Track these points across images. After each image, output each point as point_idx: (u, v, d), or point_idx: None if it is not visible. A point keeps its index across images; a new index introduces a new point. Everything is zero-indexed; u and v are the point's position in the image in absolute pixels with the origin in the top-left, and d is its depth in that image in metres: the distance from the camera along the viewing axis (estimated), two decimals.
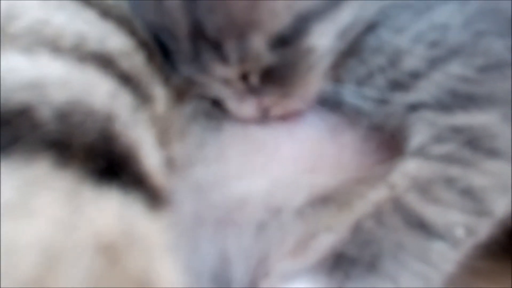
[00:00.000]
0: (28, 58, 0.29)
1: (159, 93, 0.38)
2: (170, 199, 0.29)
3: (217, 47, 0.38)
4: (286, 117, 0.45)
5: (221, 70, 0.40)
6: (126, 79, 0.33)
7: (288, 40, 0.38)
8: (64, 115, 0.25)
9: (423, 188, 0.39)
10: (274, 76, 0.40)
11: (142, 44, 0.39)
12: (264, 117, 0.44)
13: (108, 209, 0.23)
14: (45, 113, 0.25)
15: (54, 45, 0.31)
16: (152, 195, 0.26)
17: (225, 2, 0.36)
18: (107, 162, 0.25)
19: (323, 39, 0.40)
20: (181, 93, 0.43)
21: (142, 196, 0.25)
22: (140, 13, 0.40)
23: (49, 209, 0.22)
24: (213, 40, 0.38)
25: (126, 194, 0.25)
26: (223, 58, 0.39)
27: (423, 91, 0.41)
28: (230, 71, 0.40)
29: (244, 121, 0.44)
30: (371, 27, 0.42)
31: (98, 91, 0.29)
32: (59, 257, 0.21)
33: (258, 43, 0.38)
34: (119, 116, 0.28)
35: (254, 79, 0.41)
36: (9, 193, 0.21)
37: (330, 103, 0.44)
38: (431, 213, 0.38)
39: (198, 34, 0.38)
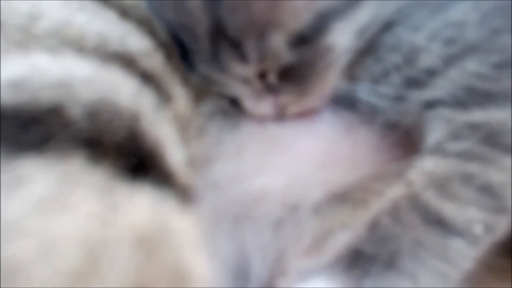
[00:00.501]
0: (54, 58, 0.29)
1: (179, 92, 0.39)
2: (194, 196, 0.29)
3: (236, 46, 0.38)
4: (302, 115, 0.45)
5: (239, 69, 0.40)
6: (148, 79, 0.34)
7: (307, 39, 0.39)
8: (93, 113, 0.26)
9: (441, 185, 0.39)
10: (292, 75, 0.41)
11: (161, 44, 0.39)
12: (280, 115, 0.44)
13: (142, 205, 0.24)
14: (75, 112, 0.25)
15: (77, 45, 0.32)
16: (180, 191, 0.27)
17: (247, 1, 0.36)
18: (136, 159, 0.25)
19: (342, 37, 0.40)
20: (199, 92, 0.43)
21: (172, 192, 0.26)
22: (159, 12, 0.41)
23: (85, 204, 0.22)
24: (233, 39, 0.38)
25: (157, 190, 0.25)
26: (242, 57, 0.39)
27: (440, 88, 0.41)
28: (248, 70, 0.40)
29: (261, 119, 0.45)
30: (387, 26, 0.42)
31: (123, 91, 0.30)
32: (99, 250, 0.21)
33: (278, 42, 0.38)
34: (144, 114, 0.29)
35: (272, 78, 0.41)
36: (45, 189, 0.22)
37: (345, 101, 0.44)
38: (449, 210, 0.38)
39: (218, 33, 0.38)
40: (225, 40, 0.38)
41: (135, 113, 0.28)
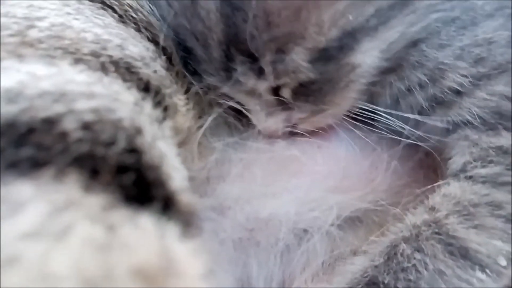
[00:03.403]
0: (50, 66, 0.27)
1: (180, 102, 0.36)
2: (196, 219, 0.26)
3: (253, 59, 0.36)
4: (315, 133, 0.42)
5: (252, 83, 0.37)
6: (148, 88, 0.31)
7: (331, 56, 0.36)
8: (90, 125, 0.23)
9: (467, 212, 0.36)
10: (308, 91, 0.38)
11: (163, 51, 0.37)
12: (291, 132, 0.42)
13: (142, 230, 0.21)
14: (71, 123, 0.23)
15: (75, 51, 0.29)
16: (183, 215, 0.24)
17: (267, 12, 0.34)
18: (136, 177, 0.23)
19: (368, 56, 0.38)
20: (203, 103, 0.41)
21: (174, 216, 0.23)
22: (168, 18, 0.38)
23: (82, 230, 0.20)
24: (249, 51, 0.35)
25: (158, 214, 0.22)
26: (258, 72, 0.36)
27: (466, 109, 0.39)
28: (262, 84, 0.38)
29: (270, 135, 0.42)
30: (413, 43, 0.39)
31: (122, 101, 0.27)
32: (96, 280, 0.19)
33: (299, 58, 0.35)
34: (144, 129, 0.26)
35: (287, 93, 0.38)
36: (40, 215, 0.20)
37: (364, 120, 0.42)
38: (474, 240, 0.36)
39: (233, 43, 0.35)
40: (240, 52, 0.35)
41: (135, 125, 0.25)
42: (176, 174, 0.27)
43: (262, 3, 0.34)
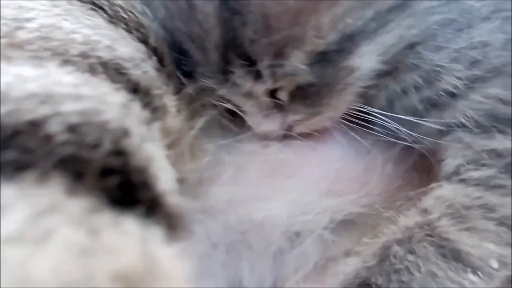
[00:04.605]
0: (37, 68, 0.27)
1: (171, 103, 0.36)
2: (185, 223, 0.26)
3: (250, 62, 0.35)
4: (310, 135, 0.42)
5: (250, 85, 0.37)
6: (137, 89, 0.31)
7: (330, 59, 0.36)
8: (75, 127, 0.23)
9: (459, 215, 0.36)
10: (305, 94, 0.38)
11: (153, 51, 0.36)
12: (287, 134, 0.42)
13: (126, 235, 0.21)
14: (56, 127, 0.23)
15: (63, 52, 0.29)
16: (170, 219, 0.24)
17: (266, 16, 0.33)
18: (122, 181, 0.22)
19: (367, 60, 0.37)
20: (195, 105, 0.40)
21: (160, 220, 0.23)
22: (163, 18, 0.38)
23: (64, 235, 0.19)
24: (247, 54, 0.35)
25: (144, 218, 0.22)
26: (256, 74, 0.36)
27: (460, 112, 0.39)
28: (259, 87, 0.37)
29: (265, 137, 0.42)
30: (410, 46, 0.39)
31: (110, 103, 0.27)
32: (76, 285, 0.19)
33: (297, 61, 0.35)
34: (132, 130, 0.26)
35: (283, 96, 0.38)
36: (22, 219, 0.19)
37: (359, 122, 0.42)
38: (466, 242, 0.36)
39: (230, 47, 0.35)
40: (238, 55, 0.35)
41: (122, 128, 0.25)
42: (164, 176, 0.26)
43: (261, 7, 0.33)
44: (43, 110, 0.23)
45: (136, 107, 0.29)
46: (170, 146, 0.33)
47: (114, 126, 0.25)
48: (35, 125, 0.22)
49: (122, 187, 0.22)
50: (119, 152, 0.24)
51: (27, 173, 0.20)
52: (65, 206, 0.20)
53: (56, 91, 0.25)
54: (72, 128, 0.23)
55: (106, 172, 0.22)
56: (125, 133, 0.25)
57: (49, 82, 0.26)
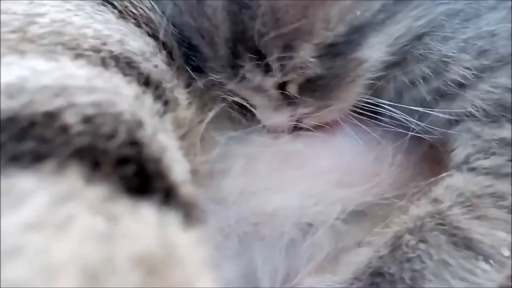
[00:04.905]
0: (51, 61, 0.27)
1: (182, 96, 0.36)
2: (199, 212, 0.26)
3: (260, 56, 0.35)
4: (320, 127, 0.42)
5: (259, 79, 0.37)
6: (148, 83, 0.31)
7: (338, 51, 0.36)
8: (91, 118, 0.24)
9: (470, 203, 0.36)
10: (314, 87, 0.38)
11: (163, 45, 0.37)
12: (297, 127, 0.42)
13: (144, 221, 0.21)
14: (72, 117, 0.23)
15: (75, 47, 0.29)
16: (185, 207, 0.24)
17: (275, 9, 0.34)
18: (138, 170, 0.23)
19: (375, 51, 0.38)
20: (205, 98, 0.41)
21: (176, 208, 0.23)
22: (172, 14, 0.38)
23: (83, 221, 0.20)
24: (256, 48, 0.35)
25: (160, 205, 0.22)
26: (265, 68, 0.36)
27: (469, 101, 0.39)
28: (268, 81, 0.37)
29: (275, 130, 0.42)
30: (418, 36, 0.39)
31: (123, 95, 0.27)
32: (99, 270, 0.19)
33: (306, 54, 0.35)
34: (145, 122, 0.26)
35: (293, 89, 0.38)
36: (42, 206, 0.20)
37: (368, 114, 0.42)
38: (478, 231, 0.36)
39: (239, 41, 0.35)
40: (247, 49, 0.35)
41: (136, 120, 0.25)
42: (177, 167, 0.27)
43: (269, 0, 0.33)
44: (58, 102, 0.24)
45: (148, 99, 0.30)
46: (182, 138, 0.33)
47: (128, 117, 0.25)
48: (51, 116, 0.23)
49: (138, 176, 0.23)
50: (134, 143, 0.24)
51: (45, 162, 0.21)
52: (83, 193, 0.20)
53: (69, 84, 0.26)
54: (87, 119, 0.23)
55: (122, 161, 0.23)
56: (139, 124, 0.26)
57: (62, 75, 0.26)
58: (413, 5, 0.37)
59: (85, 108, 0.24)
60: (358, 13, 0.34)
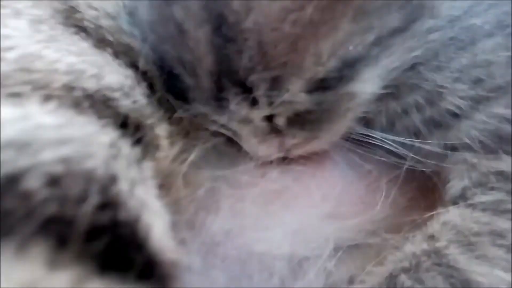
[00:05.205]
0: (16, 107, 0.25)
1: (162, 133, 0.34)
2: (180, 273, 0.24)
3: (245, 89, 0.33)
4: (309, 158, 0.41)
5: (245, 112, 0.35)
6: (126, 124, 0.29)
7: (329, 86, 0.34)
8: (59, 181, 0.21)
9: (468, 242, 0.35)
10: (303, 120, 0.36)
11: (143, 75, 0.34)
12: (285, 158, 0.40)
13: None
14: (36, 181, 0.21)
15: (45, 86, 0.27)
16: (163, 279, 0.22)
17: (263, 43, 0.31)
18: (112, 241, 0.20)
19: (368, 84, 0.36)
20: (188, 132, 0.38)
21: (154, 283, 0.21)
22: (153, 42, 0.35)
23: None
24: (241, 82, 0.33)
25: (137, 281, 0.20)
26: (252, 101, 0.34)
27: (464, 132, 0.38)
28: (255, 113, 0.36)
29: (262, 161, 0.40)
30: (411, 66, 0.38)
31: (97, 145, 0.25)
32: None
33: (295, 89, 0.33)
34: (120, 176, 0.24)
35: (281, 121, 0.36)
36: None
37: (359, 144, 0.40)
38: (477, 271, 0.34)
39: (224, 74, 0.33)
40: (232, 83, 0.33)
41: (110, 174, 0.23)
42: (157, 222, 0.25)
43: (256, 34, 0.31)
44: (22, 162, 0.21)
45: (125, 146, 0.27)
46: (163, 179, 0.31)
47: (101, 174, 0.23)
48: (13, 180, 0.20)
49: (112, 248, 0.20)
50: (108, 204, 0.22)
51: (5, 242, 0.18)
52: (48, 281, 0.18)
53: (36, 136, 0.23)
54: (53, 181, 0.21)
55: (93, 233, 0.20)
56: (113, 180, 0.23)
57: (29, 126, 0.24)
58: (407, 36, 0.35)
59: (52, 167, 0.22)
60: (350, 47, 0.32)
